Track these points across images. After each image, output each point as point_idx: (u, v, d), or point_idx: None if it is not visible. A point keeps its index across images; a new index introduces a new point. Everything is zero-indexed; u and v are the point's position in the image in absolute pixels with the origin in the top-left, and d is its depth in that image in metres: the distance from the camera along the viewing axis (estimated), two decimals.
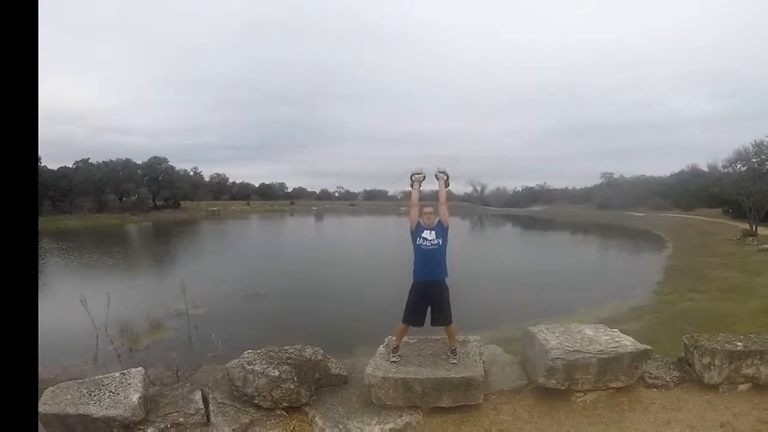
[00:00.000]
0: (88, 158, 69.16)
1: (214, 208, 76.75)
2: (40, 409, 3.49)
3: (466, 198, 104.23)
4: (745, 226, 28.48)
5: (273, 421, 3.97)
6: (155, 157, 73.56)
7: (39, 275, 16.70)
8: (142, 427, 3.69)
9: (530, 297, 14.92)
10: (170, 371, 5.59)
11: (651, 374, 4.51)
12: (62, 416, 3.52)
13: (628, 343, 4.37)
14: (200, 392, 4.22)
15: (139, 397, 3.75)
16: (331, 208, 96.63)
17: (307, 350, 4.47)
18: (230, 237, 43.42)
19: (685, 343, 4.74)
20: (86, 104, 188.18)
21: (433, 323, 4.38)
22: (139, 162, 71.85)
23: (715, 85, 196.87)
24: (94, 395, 3.72)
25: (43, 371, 5.88)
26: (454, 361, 4.30)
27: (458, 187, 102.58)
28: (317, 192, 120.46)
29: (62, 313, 11.43)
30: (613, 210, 66.90)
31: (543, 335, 4.48)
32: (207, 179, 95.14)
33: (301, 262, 24.65)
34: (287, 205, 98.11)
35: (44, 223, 39.46)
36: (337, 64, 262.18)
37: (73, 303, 10.56)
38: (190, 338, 10.76)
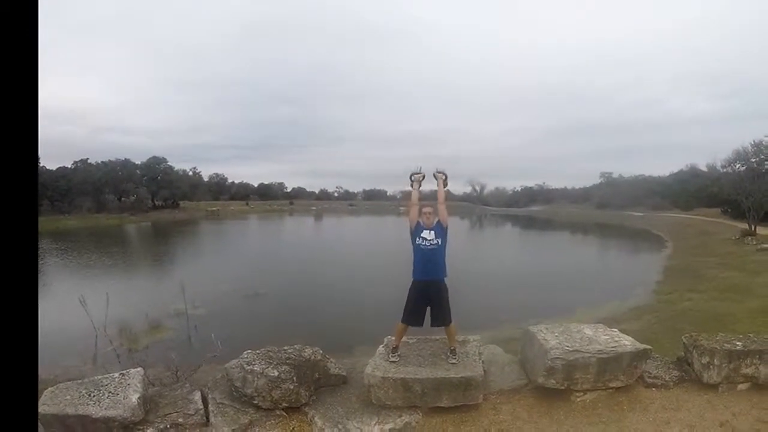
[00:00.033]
0: (87, 158, 69.23)
1: (213, 208, 76.71)
2: (39, 410, 3.49)
3: (466, 198, 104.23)
4: (744, 225, 28.54)
5: (272, 421, 3.97)
6: (154, 157, 73.55)
7: (38, 275, 16.67)
8: (142, 428, 3.69)
9: (530, 297, 14.93)
10: (169, 371, 5.59)
11: (650, 374, 4.51)
12: (62, 417, 3.52)
13: (627, 342, 4.38)
14: (199, 393, 4.21)
15: (139, 398, 3.74)
16: (330, 208, 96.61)
17: (306, 350, 4.47)
18: (229, 237, 43.40)
19: (684, 343, 4.74)
20: (86, 104, 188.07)
21: (433, 324, 4.38)
22: (138, 162, 71.94)
23: (715, 85, 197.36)
24: (94, 396, 3.72)
25: (43, 372, 5.86)
26: (454, 361, 4.30)
27: (457, 187, 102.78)
28: (316, 192, 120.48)
29: (62, 314, 11.42)
30: (613, 210, 66.96)
31: (542, 335, 4.48)
32: (206, 179, 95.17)
33: (300, 261, 24.65)
34: (286, 205, 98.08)
35: (43, 223, 39.37)
36: (337, 64, 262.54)
37: (73, 303, 10.56)
38: (189, 338, 10.75)
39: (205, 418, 3.94)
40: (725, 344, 4.45)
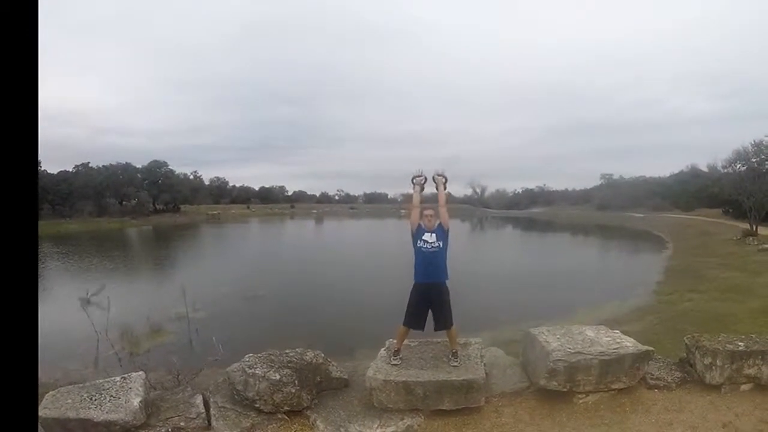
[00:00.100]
0: (88, 162, 69.42)
1: (214, 212, 76.74)
2: (40, 414, 3.49)
3: (466, 200, 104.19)
4: (745, 226, 28.49)
5: (274, 425, 3.97)
6: (155, 161, 73.72)
7: (39, 279, 16.70)
8: None
9: (530, 298, 14.92)
10: (171, 375, 5.59)
11: (653, 375, 4.50)
12: (63, 420, 3.52)
13: (629, 344, 4.37)
14: (201, 396, 4.21)
15: (140, 402, 3.74)
16: (331, 211, 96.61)
17: (308, 353, 4.46)
18: (230, 240, 43.41)
19: (686, 344, 4.74)
20: (86, 105, 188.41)
21: (437, 328, 4.38)
22: (139, 166, 72.06)
23: (715, 85, 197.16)
24: (95, 399, 3.72)
25: (44, 375, 5.89)
26: (455, 363, 4.30)
27: (458, 189, 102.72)
28: (317, 195, 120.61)
29: (62, 317, 11.44)
30: (613, 211, 66.88)
31: (544, 337, 4.48)
32: (207, 183, 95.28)
33: (302, 264, 24.66)
34: (287, 208, 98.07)
35: (44, 227, 39.45)
36: (337, 63, 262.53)
37: (74, 307, 10.58)
38: (190, 342, 10.75)
39: (206, 421, 3.94)
40: (727, 345, 4.44)
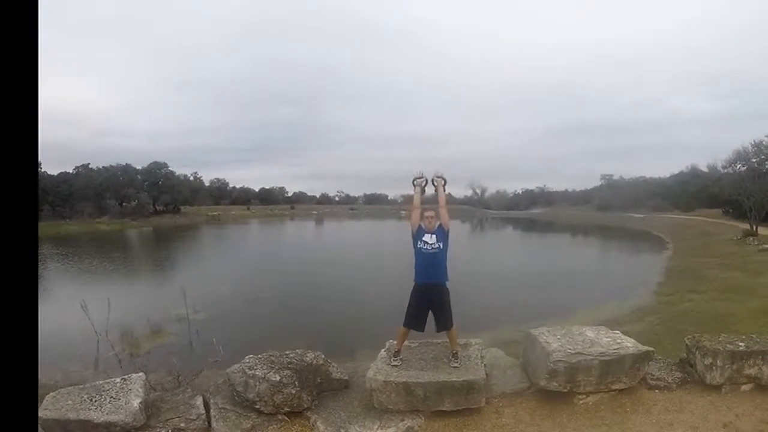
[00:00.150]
0: (88, 163, 69.44)
1: (215, 213, 76.74)
2: (41, 415, 3.49)
3: (466, 201, 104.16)
4: (746, 226, 28.49)
5: (274, 426, 3.97)
6: (155, 162, 73.73)
7: (39, 280, 16.71)
8: None
9: (531, 299, 14.91)
10: (171, 376, 5.59)
11: (653, 375, 4.50)
12: (63, 422, 3.52)
13: (629, 344, 4.37)
14: (201, 397, 4.21)
15: (140, 403, 3.74)
16: (331, 212, 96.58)
17: (308, 355, 4.46)
18: (231, 241, 43.40)
19: (686, 344, 4.74)
20: (86, 106, 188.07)
21: (438, 329, 4.38)
22: (139, 167, 72.05)
23: (715, 85, 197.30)
24: (95, 401, 3.72)
25: (44, 376, 5.89)
26: (456, 364, 4.30)
27: (458, 190, 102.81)
28: (317, 196, 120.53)
29: (63, 318, 11.44)
30: (613, 212, 66.89)
31: (544, 338, 4.48)
32: (207, 184, 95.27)
33: (302, 265, 24.65)
34: (287, 209, 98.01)
35: (44, 228, 39.47)
36: (337, 64, 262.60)
37: (74, 308, 10.58)
38: (190, 343, 10.74)
39: (206, 423, 3.94)
40: (728, 345, 4.44)
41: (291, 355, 4.40)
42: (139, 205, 66.68)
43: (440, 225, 4.41)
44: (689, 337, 4.84)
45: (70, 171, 67.04)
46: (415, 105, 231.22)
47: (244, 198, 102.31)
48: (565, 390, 4.12)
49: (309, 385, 4.16)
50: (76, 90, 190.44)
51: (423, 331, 4.42)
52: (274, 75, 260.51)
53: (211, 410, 4.05)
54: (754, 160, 34.05)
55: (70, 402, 3.69)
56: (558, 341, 4.37)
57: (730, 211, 38.94)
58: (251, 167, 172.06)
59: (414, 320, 4.34)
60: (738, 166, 34.42)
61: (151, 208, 69.52)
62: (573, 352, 4.15)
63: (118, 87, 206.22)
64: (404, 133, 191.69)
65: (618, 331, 4.79)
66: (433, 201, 4.66)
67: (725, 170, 36.93)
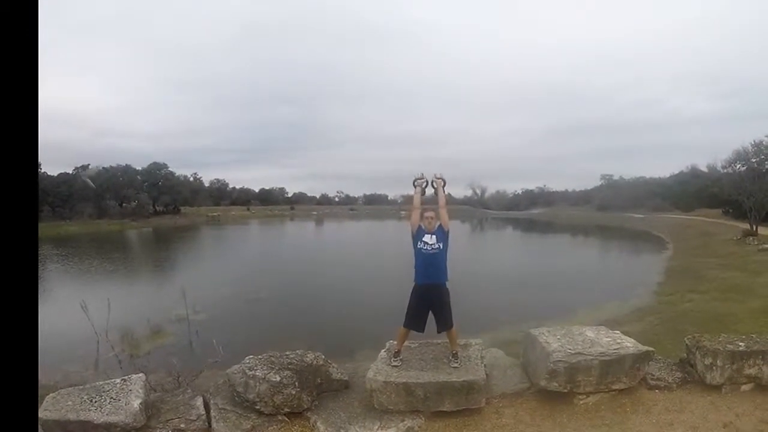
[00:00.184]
0: (89, 164, 69.46)
1: (214, 214, 76.84)
2: (41, 415, 3.49)
3: (466, 201, 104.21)
4: (746, 226, 28.50)
5: (274, 426, 3.97)
6: (155, 163, 73.83)
7: (39, 281, 16.71)
8: None
9: (531, 299, 14.92)
10: (171, 377, 5.59)
11: (653, 376, 4.50)
12: (63, 422, 3.52)
13: (629, 344, 4.37)
14: (201, 398, 4.21)
15: (141, 403, 3.74)
16: (331, 212, 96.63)
17: (308, 355, 4.46)
18: (230, 242, 43.40)
19: (686, 344, 4.73)
20: (86, 106, 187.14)
21: (439, 330, 4.38)
22: (138, 168, 72.15)
23: (715, 85, 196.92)
24: (95, 401, 3.72)
25: (44, 377, 5.89)
26: (456, 364, 4.30)
27: (458, 191, 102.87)
28: (317, 197, 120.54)
29: (63, 319, 11.44)
30: (613, 212, 66.93)
31: (544, 338, 4.48)
32: (207, 185, 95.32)
33: (302, 266, 24.66)
34: (287, 210, 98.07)
35: (44, 229, 39.44)
36: (337, 64, 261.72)
37: (74, 309, 10.57)
38: (190, 343, 10.75)
39: (207, 423, 3.94)
40: (728, 345, 4.44)
41: (291, 356, 4.40)
42: (138, 206, 66.74)
43: (440, 225, 4.41)
44: (689, 337, 4.84)
45: (70, 172, 67.12)
46: (415, 105, 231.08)
47: (243, 198, 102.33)
48: (565, 390, 4.12)
49: (309, 385, 4.16)
50: (76, 90, 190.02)
51: (423, 331, 4.42)
52: (274, 75, 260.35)
53: (212, 411, 4.05)
54: (753, 160, 34.02)
55: (70, 403, 3.69)
56: (558, 341, 4.37)
57: (730, 211, 38.94)
58: (251, 168, 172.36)
59: (414, 321, 4.34)
60: (738, 166, 34.43)
61: (151, 208, 69.58)
62: (573, 352, 4.15)
63: (118, 87, 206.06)
64: (404, 133, 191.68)
65: (618, 331, 4.79)
66: (433, 201, 4.67)
67: (725, 170, 36.92)
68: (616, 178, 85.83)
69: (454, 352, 4.41)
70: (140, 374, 4.22)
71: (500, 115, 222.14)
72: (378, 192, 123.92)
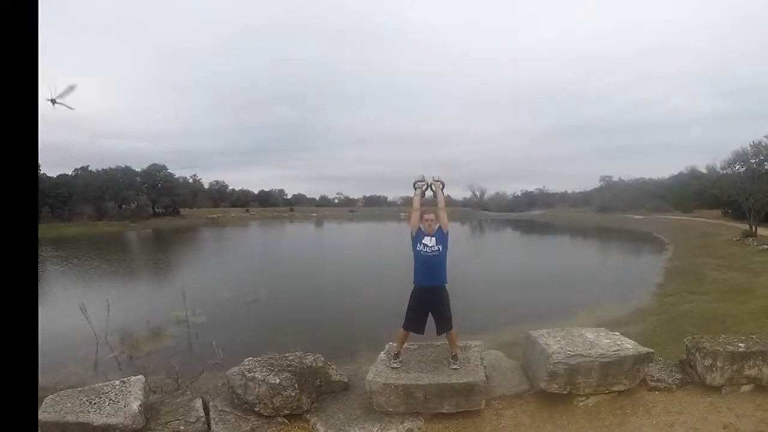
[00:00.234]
0: (88, 166, 69.57)
1: (214, 216, 76.82)
2: (40, 417, 3.48)
3: (466, 203, 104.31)
4: (745, 226, 28.50)
5: (274, 428, 3.96)
6: (154, 165, 73.87)
7: (39, 282, 16.69)
8: None
9: (531, 300, 14.89)
10: (171, 379, 5.59)
11: (653, 377, 4.50)
12: (62, 424, 3.51)
13: (629, 346, 4.37)
14: (201, 400, 4.21)
15: (140, 405, 3.73)
16: (330, 214, 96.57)
17: (307, 357, 4.46)
18: (230, 244, 43.38)
19: (686, 345, 4.73)
20: (86, 107, 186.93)
21: (438, 332, 4.38)
22: (138, 169, 72.20)
23: (715, 85, 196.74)
24: (95, 403, 3.71)
25: (44, 379, 5.88)
26: (456, 366, 4.29)
27: (457, 192, 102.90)
28: (316, 198, 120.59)
29: (62, 321, 11.42)
30: (613, 213, 67.02)
31: (544, 340, 4.48)
32: (206, 186, 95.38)
33: (301, 267, 24.64)
34: (287, 211, 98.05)
35: (43, 230, 39.46)
36: (336, 65, 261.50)
37: (73, 310, 10.56)
38: (190, 345, 10.72)
39: (206, 425, 3.93)
40: (728, 346, 4.44)
41: (290, 358, 4.40)
42: (138, 208, 66.80)
43: (440, 227, 4.41)
44: (689, 338, 4.84)
45: (70, 173, 67.15)
46: (414, 106, 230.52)
47: (243, 200, 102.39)
48: (565, 392, 4.12)
49: (308, 387, 4.15)
50: (76, 92, 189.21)
51: (423, 333, 4.42)
52: (274, 76, 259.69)
53: (211, 413, 4.04)
54: (753, 161, 34.08)
55: (69, 404, 3.68)
56: (558, 343, 4.37)
57: (730, 211, 38.96)
58: (250, 169, 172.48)
59: (413, 323, 4.34)
60: (737, 167, 34.47)
61: (151, 210, 69.58)
62: (573, 354, 4.15)
63: (117, 89, 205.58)
64: (404, 134, 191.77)
65: (618, 333, 4.79)
66: (433, 203, 4.67)
67: (724, 171, 36.95)
68: (615, 179, 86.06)
69: (453, 353, 4.40)
70: (139, 376, 4.21)
71: (500, 115, 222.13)
72: (377, 194, 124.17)
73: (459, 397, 4.01)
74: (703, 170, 59.29)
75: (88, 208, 59.89)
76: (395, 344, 4.53)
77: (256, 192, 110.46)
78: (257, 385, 3.95)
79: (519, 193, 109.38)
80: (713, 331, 6.60)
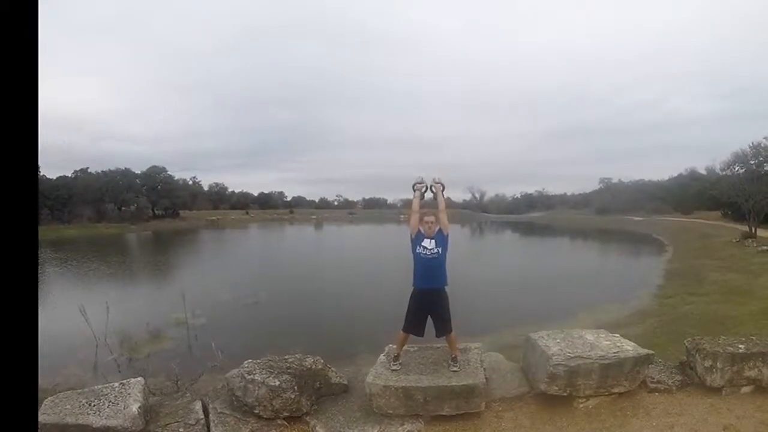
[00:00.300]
0: (87, 168, 69.66)
1: (214, 218, 76.85)
2: (39, 419, 3.47)
3: (465, 205, 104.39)
4: (745, 228, 28.53)
5: (273, 431, 3.95)
6: (154, 167, 73.94)
7: (38, 284, 16.67)
8: None
9: (531, 302, 14.89)
10: (170, 381, 5.59)
11: (653, 378, 4.49)
12: (62, 426, 3.50)
13: (629, 347, 4.36)
14: (200, 402, 4.20)
15: (139, 407, 3.73)
16: (330, 216, 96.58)
17: (307, 359, 4.46)
18: (230, 246, 43.38)
19: (686, 347, 4.73)
20: (85, 108, 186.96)
21: (438, 335, 4.38)
22: (138, 171, 72.32)
23: (715, 85, 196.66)
24: (94, 405, 3.70)
25: (43, 381, 5.86)
26: (455, 368, 4.29)
27: (457, 194, 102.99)
28: (316, 201, 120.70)
29: (62, 322, 11.41)
30: (612, 215, 67.07)
31: (544, 341, 4.47)
32: (206, 188, 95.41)
33: (301, 269, 24.63)
34: (286, 213, 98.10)
35: (43, 232, 39.40)
36: (336, 67, 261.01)
37: (73, 312, 10.56)
38: (189, 348, 10.71)
39: (206, 427, 3.92)
40: (728, 347, 4.43)
41: (290, 360, 4.40)
42: (138, 210, 66.83)
43: (439, 230, 4.41)
44: (689, 339, 4.84)
45: (69, 175, 67.16)
46: (414, 108, 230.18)
47: (243, 202, 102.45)
48: (565, 394, 4.12)
49: (308, 389, 4.15)
50: (75, 92, 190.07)
51: (422, 336, 4.42)
52: (274, 78, 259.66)
53: (210, 415, 4.04)
54: (752, 162, 34.11)
55: (68, 406, 3.68)
56: (557, 345, 4.37)
57: (729, 213, 38.98)
58: (250, 172, 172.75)
59: (413, 325, 4.34)
60: (736, 169, 34.50)
61: (150, 212, 69.58)
62: (573, 355, 4.14)
63: (117, 90, 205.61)
64: (404, 136, 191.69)
65: (618, 335, 4.78)
66: (433, 205, 4.68)
67: (723, 173, 36.99)
68: (615, 181, 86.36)
69: (453, 356, 4.40)
70: (139, 378, 4.20)
71: (500, 117, 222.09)
72: (377, 196, 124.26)
73: (459, 399, 4.01)
74: (703, 172, 59.53)
75: (88, 210, 59.91)
76: (395, 346, 4.52)
77: (255, 194, 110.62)
78: (257, 388, 3.95)
79: (519, 195, 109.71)
80: (713, 333, 6.61)
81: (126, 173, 70.70)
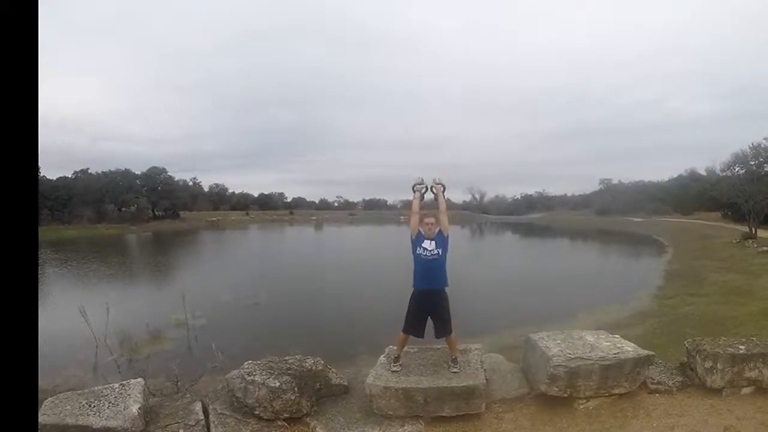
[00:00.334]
0: (87, 168, 69.80)
1: (214, 219, 76.90)
2: (39, 420, 3.47)
3: (465, 206, 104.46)
4: (745, 229, 28.54)
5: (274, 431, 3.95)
6: (154, 167, 74.04)
7: (39, 285, 16.66)
8: None
9: (531, 303, 14.89)
10: (170, 382, 5.58)
11: (653, 380, 4.49)
12: (62, 426, 3.50)
13: (629, 348, 4.36)
14: (200, 403, 4.19)
15: (139, 408, 3.72)
16: (330, 217, 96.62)
17: (307, 360, 4.45)
18: (230, 247, 43.39)
19: (687, 348, 4.73)
20: (85, 108, 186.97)
21: (437, 335, 4.38)
22: (138, 172, 72.41)
23: (715, 85, 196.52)
24: (94, 406, 3.70)
25: (43, 381, 5.85)
26: (456, 369, 4.28)
27: (457, 195, 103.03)
28: (316, 202, 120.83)
29: (62, 323, 11.41)
30: (612, 215, 67.09)
31: (544, 342, 4.47)
32: (206, 189, 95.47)
33: (301, 270, 24.63)
34: (286, 214, 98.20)
35: (43, 232, 39.44)
36: (336, 68, 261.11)
37: (73, 313, 10.56)
38: (189, 348, 10.71)
39: (206, 428, 3.92)
40: (728, 348, 4.43)
41: (290, 361, 4.39)
42: (138, 210, 66.90)
43: (440, 231, 4.41)
44: (689, 340, 4.83)
45: (69, 176, 67.22)
46: (414, 109, 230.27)
47: (243, 203, 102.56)
48: (566, 395, 4.11)
49: (308, 390, 4.15)
50: (75, 93, 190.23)
51: (422, 337, 4.41)
52: (274, 79, 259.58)
53: (210, 416, 4.03)
54: (752, 163, 34.15)
55: (68, 407, 3.67)
56: (558, 346, 4.36)
57: (730, 214, 39.00)
58: (250, 172, 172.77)
59: (413, 326, 4.34)
60: (736, 169, 34.52)
61: (150, 213, 69.63)
62: (573, 356, 4.14)
63: (117, 91, 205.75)
64: (404, 137, 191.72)
65: (618, 336, 4.78)
66: (433, 206, 4.68)
67: (724, 173, 37.02)
68: (615, 182, 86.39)
69: (453, 357, 4.39)
70: (139, 379, 4.20)
71: (500, 118, 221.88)
72: (377, 197, 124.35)
73: (459, 400, 4.00)
74: (703, 172, 59.55)
75: (88, 211, 60.00)
76: (395, 347, 4.52)
77: (255, 195, 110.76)
78: (257, 389, 3.95)
79: (519, 196, 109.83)
80: (713, 334, 6.61)
81: (126, 174, 70.79)
